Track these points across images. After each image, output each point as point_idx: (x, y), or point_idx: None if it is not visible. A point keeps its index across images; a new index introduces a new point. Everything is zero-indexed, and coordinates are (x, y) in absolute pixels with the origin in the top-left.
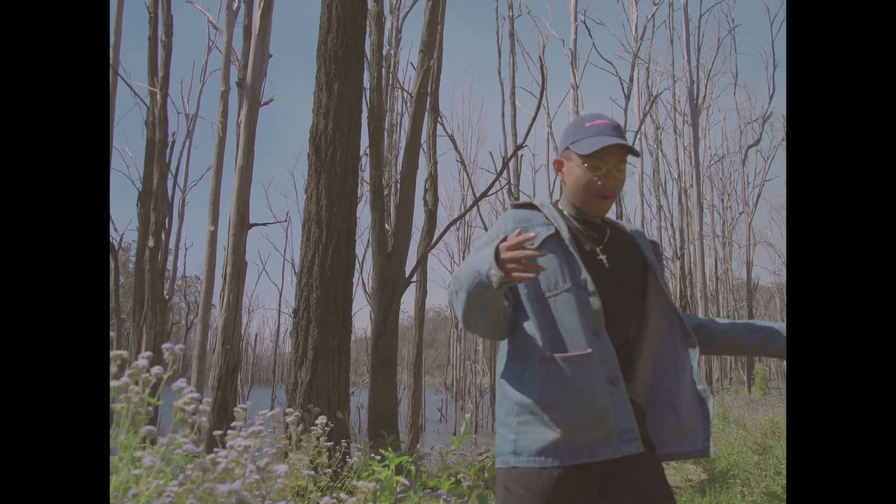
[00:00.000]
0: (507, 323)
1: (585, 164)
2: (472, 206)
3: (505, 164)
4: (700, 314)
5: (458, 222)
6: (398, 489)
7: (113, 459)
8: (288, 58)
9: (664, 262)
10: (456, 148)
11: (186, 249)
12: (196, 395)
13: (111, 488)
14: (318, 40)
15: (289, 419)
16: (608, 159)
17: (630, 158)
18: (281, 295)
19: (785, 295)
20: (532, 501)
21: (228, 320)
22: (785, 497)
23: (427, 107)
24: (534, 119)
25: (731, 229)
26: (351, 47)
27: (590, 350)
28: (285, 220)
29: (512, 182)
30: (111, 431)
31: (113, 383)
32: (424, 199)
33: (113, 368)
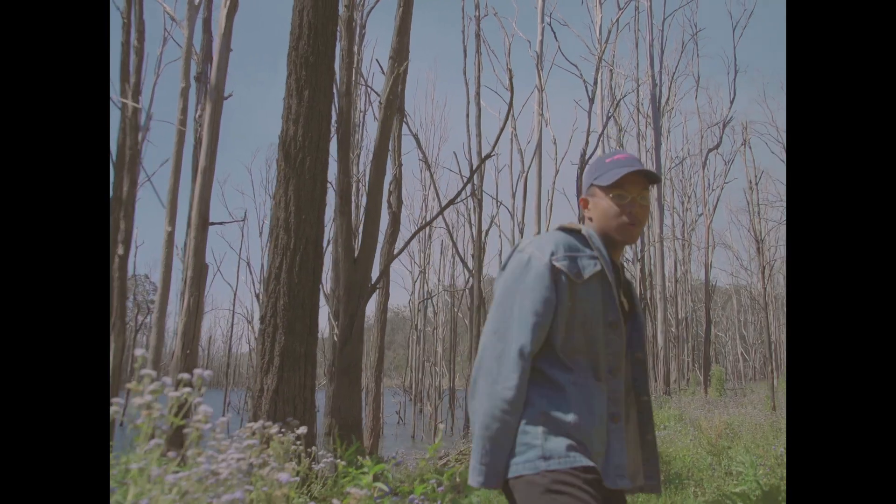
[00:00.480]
0: None
1: (611, 196)
2: (437, 215)
3: (472, 176)
4: (659, 315)
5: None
6: (376, 495)
7: (133, 472)
8: (246, 51)
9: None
10: (420, 147)
11: (137, 248)
12: (209, 409)
13: (128, 500)
14: (290, 46)
15: (272, 431)
16: (631, 188)
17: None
18: (235, 295)
19: (741, 296)
20: (587, 488)
21: (188, 324)
22: (735, 496)
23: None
24: (501, 130)
25: (691, 231)
26: (322, 54)
27: (603, 387)
28: (243, 220)
29: (475, 183)
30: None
31: (137, 400)
32: (388, 201)
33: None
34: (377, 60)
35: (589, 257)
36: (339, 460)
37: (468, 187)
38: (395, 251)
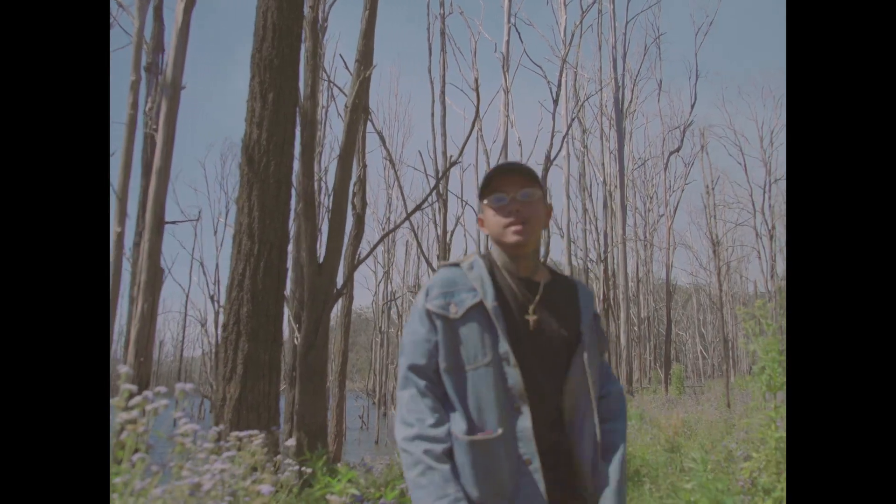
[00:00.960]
0: None
1: (490, 202)
2: (402, 222)
3: (437, 183)
4: (622, 315)
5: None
6: (349, 501)
7: (118, 486)
8: (199, 38)
9: (601, 333)
10: (385, 146)
11: None
12: (195, 426)
13: None
14: (253, 48)
15: (255, 442)
16: (508, 188)
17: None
18: (188, 297)
19: (700, 296)
20: None
21: (142, 331)
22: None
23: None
24: (466, 139)
25: (653, 232)
26: (286, 57)
27: (500, 431)
28: (197, 219)
29: (440, 185)
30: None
31: (124, 415)
32: (353, 202)
33: (122, 403)
34: (341, 56)
35: (466, 290)
36: (304, 468)
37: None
38: (360, 256)
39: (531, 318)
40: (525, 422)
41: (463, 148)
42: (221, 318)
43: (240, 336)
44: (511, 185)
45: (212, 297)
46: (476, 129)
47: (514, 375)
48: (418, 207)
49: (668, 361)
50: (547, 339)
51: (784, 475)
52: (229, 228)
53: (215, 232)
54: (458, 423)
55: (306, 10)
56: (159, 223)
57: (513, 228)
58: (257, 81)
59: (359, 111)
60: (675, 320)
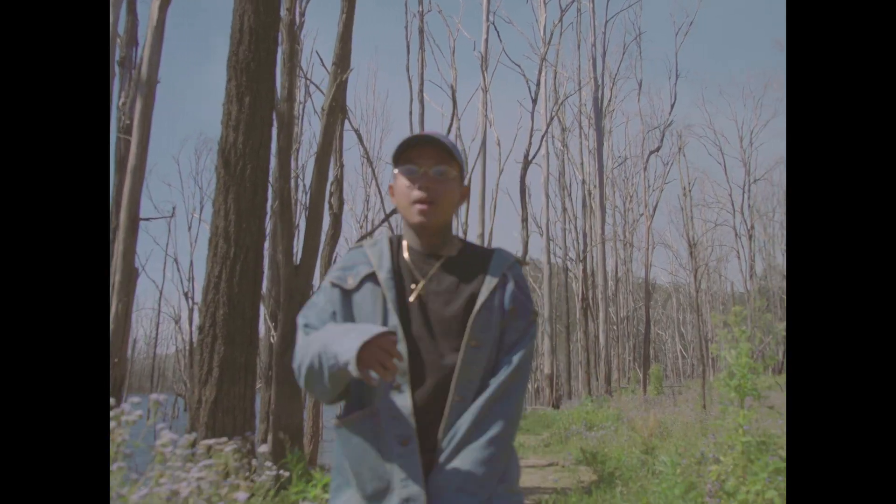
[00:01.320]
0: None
1: (401, 171)
2: (379, 225)
3: None
4: (601, 315)
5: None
6: None
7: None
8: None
9: (521, 306)
10: (362, 143)
11: None
12: (174, 437)
13: None
14: (230, 51)
15: (227, 448)
16: (422, 161)
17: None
18: (161, 294)
19: (680, 295)
20: None
21: (116, 332)
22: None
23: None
24: None
25: (632, 231)
26: (263, 60)
27: (374, 408)
28: (171, 215)
29: None
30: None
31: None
32: (329, 202)
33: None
34: (317, 52)
35: (365, 263)
36: (282, 472)
37: None
38: (337, 257)
39: (413, 288)
40: (403, 399)
41: None
42: (196, 316)
43: (216, 339)
44: (425, 157)
45: (186, 294)
46: (454, 127)
47: (399, 350)
48: (395, 211)
49: (647, 361)
50: (435, 314)
51: (749, 479)
52: (204, 224)
53: (189, 228)
54: (345, 406)
55: (283, 12)
56: (134, 223)
57: (418, 207)
58: (234, 84)
59: (336, 113)
60: (655, 320)
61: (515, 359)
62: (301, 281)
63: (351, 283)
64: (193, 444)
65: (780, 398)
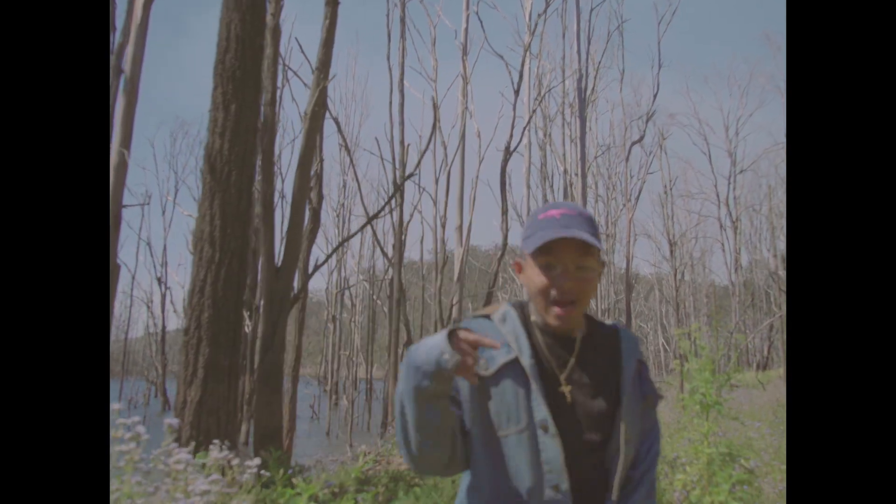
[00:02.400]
0: (461, 449)
1: (537, 265)
2: (361, 228)
3: (394, 194)
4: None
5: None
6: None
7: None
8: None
9: (650, 384)
10: (340, 132)
11: None
12: (188, 457)
13: None
14: (216, 59)
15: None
16: (563, 256)
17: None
18: (134, 279)
19: (663, 287)
20: None
21: None
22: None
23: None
24: (423, 152)
25: (614, 223)
26: (249, 68)
27: None
28: (146, 203)
29: (398, 174)
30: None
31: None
32: (308, 197)
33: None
34: (296, 39)
35: (500, 345)
36: (263, 472)
37: (393, 174)
38: (317, 262)
39: (565, 388)
40: (565, 499)
41: (420, 161)
42: (168, 300)
43: (201, 341)
44: (567, 253)
45: (159, 279)
46: (435, 120)
47: (552, 447)
48: (376, 216)
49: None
50: (582, 407)
51: (712, 489)
52: (178, 208)
53: (163, 212)
54: (481, 485)
55: (268, 17)
56: (116, 220)
57: (556, 310)
58: (220, 92)
59: (318, 118)
60: (637, 312)
61: (655, 449)
62: (282, 284)
63: (486, 367)
64: (178, 438)
65: (761, 396)
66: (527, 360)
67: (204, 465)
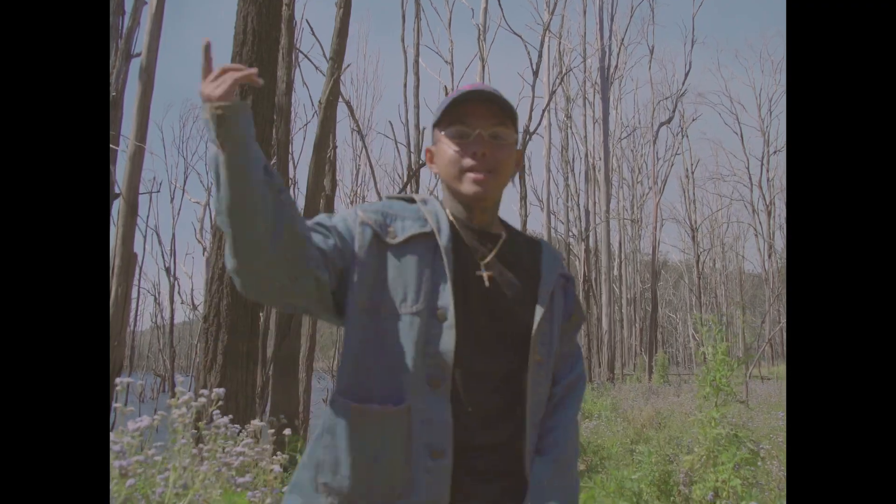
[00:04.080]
0: (314, 284)
1: (449, 133)
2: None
3: (411, 177)
4: (604, 297)
5: (352, 201)
6: None
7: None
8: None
9: (576, 302)
10: (353, 116)
11: None
12: (226, 420)
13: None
14: (233, 51)
15: (250, 429)
16: (475, 121)
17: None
18: (141, 268)
19: (693, 275)
20: None
21: (116, 316)
22: (632, 482)
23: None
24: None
25: (641, 206)
26: (265, 61)
27: (405, 406)
28: (157, 190)
29: (413, 159)
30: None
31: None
32: (322, 184)
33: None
34: (307, 21)
35: (415, 218)
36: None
37: (408, 158)
38: None
39: (485, 273)
40: (441, 404)
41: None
42: (177, 292)
43: (220, 328)
44: (479, 117)
45: (167, 269)
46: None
47: (446, 339)
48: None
49: (653, 347)
50: (501, 305)
51: (717, 468)
52: (187, 195)
53: (172, 199)
54: (347, 381)
55: (283, 9)
56: (132, 209)
57: (472, 176)
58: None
59: (333, 108)
60: (666, 301)
61: (578, 370)
62: None
63: (394, 235)
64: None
65: (762, 389)
66: (444, 240)
67: (239, 432)
